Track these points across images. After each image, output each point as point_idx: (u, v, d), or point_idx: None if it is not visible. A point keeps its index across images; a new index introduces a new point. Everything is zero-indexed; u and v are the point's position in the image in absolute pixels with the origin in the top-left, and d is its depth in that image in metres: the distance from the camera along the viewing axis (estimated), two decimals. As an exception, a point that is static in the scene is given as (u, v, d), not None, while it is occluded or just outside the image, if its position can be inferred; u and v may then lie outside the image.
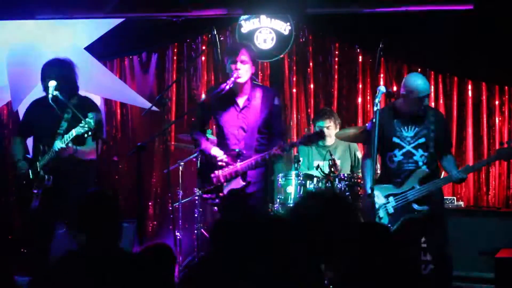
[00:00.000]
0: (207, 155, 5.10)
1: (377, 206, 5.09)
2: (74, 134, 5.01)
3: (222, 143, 5.15)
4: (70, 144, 5.11)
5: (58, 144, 5.11)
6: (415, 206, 5.05)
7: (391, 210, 5.10)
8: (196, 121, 5.36)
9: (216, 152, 5.06)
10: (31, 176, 5.26)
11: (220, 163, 5.04)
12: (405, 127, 5.13)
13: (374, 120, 4.80)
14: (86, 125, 4.93)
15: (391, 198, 5.11)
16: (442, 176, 5.26)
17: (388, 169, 5.18)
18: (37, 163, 5.24)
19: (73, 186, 5.19)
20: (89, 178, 5.33)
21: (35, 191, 5.21)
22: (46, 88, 5.27)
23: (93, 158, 5.21)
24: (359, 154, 6.49)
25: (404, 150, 5.11)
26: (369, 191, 4.86)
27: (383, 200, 5.11)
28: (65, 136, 5.09)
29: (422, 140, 5.08)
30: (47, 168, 5.21)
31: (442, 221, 5.16)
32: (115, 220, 3.27)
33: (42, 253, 5.27)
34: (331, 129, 6.47)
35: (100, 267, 3.11)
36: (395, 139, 5.13)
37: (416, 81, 5.07)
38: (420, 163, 5.08)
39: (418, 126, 5.10)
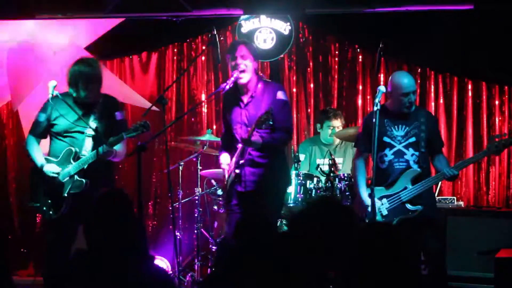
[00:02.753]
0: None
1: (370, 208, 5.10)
2: (125, 137, 5.03)
3: (233, 141, 5.17)
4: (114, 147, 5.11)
5: (105, 148, 5.05)
6: (409, 206, 5.04)
7: (385, 212, 5.08)
8: (224, 134, 5.36)
9: (222, 158, 5.14)
10: (62, 180, 5.15)
11: (222, 168, 5.13)
12: (395, 126, 5.12)
13: (374, 120, 4.80)
14: (139, 128, 4.99)
15: (384, 200, 5.09)
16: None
17: (380, 170, 5.09)
18: (70, 166, 5.12)
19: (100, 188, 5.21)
20: (112, 177, 5.43)
21: (67, 195, 5.11)
22: (77, 91, 5.15)
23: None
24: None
25: (394, 149, 5.10)
26: (367, 191, 4.95)
27: (376, 203, 5.10)
28: (111, 138, 5.04)
29: (412, 139, 5.07)
30: (82, 173, 5.12)
31: (436, 225, 5.16)
32: (129, 220, 3.27)
33: (63, 255, 5.21)
34: (340, 129, 6.48)
35: (111, 266, 3.11)
36: (386, 139, 5.11)
37: (400, 77, 5.11)
38: (411, 162, 5.06)
39: (409, 126, 5.09)
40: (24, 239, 7.43)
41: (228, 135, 5.26)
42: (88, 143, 5.18)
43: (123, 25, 6.84)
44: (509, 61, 6.48)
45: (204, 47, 7.33)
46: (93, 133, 5.12)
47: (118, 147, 5.17)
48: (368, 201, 4.94)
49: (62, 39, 6.80)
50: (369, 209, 4.89)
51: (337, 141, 6.54)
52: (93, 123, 5.15)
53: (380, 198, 5.09)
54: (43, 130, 5.31)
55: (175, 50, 7.49)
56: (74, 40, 6.88)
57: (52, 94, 5.16)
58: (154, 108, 5.60)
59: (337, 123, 6.50)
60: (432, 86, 6.94)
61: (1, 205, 7.44)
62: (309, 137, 7.04)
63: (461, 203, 6.55)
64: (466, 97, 6.93)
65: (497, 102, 6.84)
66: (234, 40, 5.24)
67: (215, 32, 5.41)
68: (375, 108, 4.85)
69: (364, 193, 5.11)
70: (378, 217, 5.04)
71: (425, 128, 5.07)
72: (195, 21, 6.69)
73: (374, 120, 4.79)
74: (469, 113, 6.90)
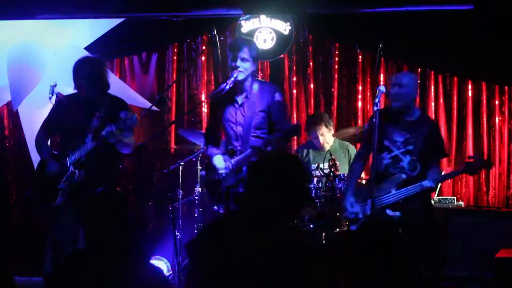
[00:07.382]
0: (210, 161, 5.11)
1: (357, 207, 5.10)
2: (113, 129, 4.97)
3: (226, 141, 5.18)
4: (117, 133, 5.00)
5: (110, 128, 5.00)
6: (388, 211, 5.03)
7: (368, 212, 5.06)
8: (207, 130, 5.32)
9: (218, 162, 5.06)
10: (60, 173, 5.14)
11: (220, 172, 5.05)
12: (397, 132, 5.09)
13: (374, 120, 4.80)
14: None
15: (369, 201, 5.08)
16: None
17: (377, 172, 5.09)
18: (67, 158, 5.12)
19: (100, 184, 5.20)
20: (114, 175, 5.33)
21: (62, 187, 5.10)
22: (78, 87, 5.18)
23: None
24: (357, 154, 6.47)
25: (392, 154, 5.08)
26: (350, 195, 5.11)
27: (362, 202, 5.11)
28: (113, 124, 4.99)
29: (411, 147, 5.04)
30: (78, 164, 5.11)
31: (418, 234, 4.98)
32: (121, 220, 3.28)
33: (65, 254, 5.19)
34: (325, 135, 6.36)
35: (105, 266, 3.11)
36: (386, 142, 5.10)
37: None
38: (407, 169, 5.04)
39: (410, 133, 5.06)
40: (24, 239, 7.43)
41: (216, 136, 5.27)
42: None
43: (123, 25, 6.84)
44: (509, 61, 6.48)
45: (204, 47, 7.33)
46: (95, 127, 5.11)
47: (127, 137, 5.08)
48: (346, 203, 5.16)
49: (62, 39, 6.80)
50: (348, 210, 5.12)
51: (329, 145, 6.45)
52: (96, 122, 5.14)
53: (366, 199, 5.08)
54: (52, 128, 5.34)
55: (175, 50, 7.49)
56: (74, 40, 6.88)
57: (52, 94, 5.15)
58: (154, 108, 5.60)
59: (320, 131, 6.30)
60: (432, 86, 6.93)
61: (1, 205, 7.44)
62: (302, 144, 6.91)
63: (461, 203, 6.54)
64: (466, 97, 6.92)
65: (497, 102, 6.84)
66: (239, 39, 5.12)
67: (215, 32, 5.41)
68: (375, 108, 4.85)
69: (347, 194, 5.19)
70: (362, 217, 5.08)
71: (424, 137, 5.04)
72: (195, 21, 6.69)
73: (374, 120, 4.79)
74: (469, 113, 6.90)
